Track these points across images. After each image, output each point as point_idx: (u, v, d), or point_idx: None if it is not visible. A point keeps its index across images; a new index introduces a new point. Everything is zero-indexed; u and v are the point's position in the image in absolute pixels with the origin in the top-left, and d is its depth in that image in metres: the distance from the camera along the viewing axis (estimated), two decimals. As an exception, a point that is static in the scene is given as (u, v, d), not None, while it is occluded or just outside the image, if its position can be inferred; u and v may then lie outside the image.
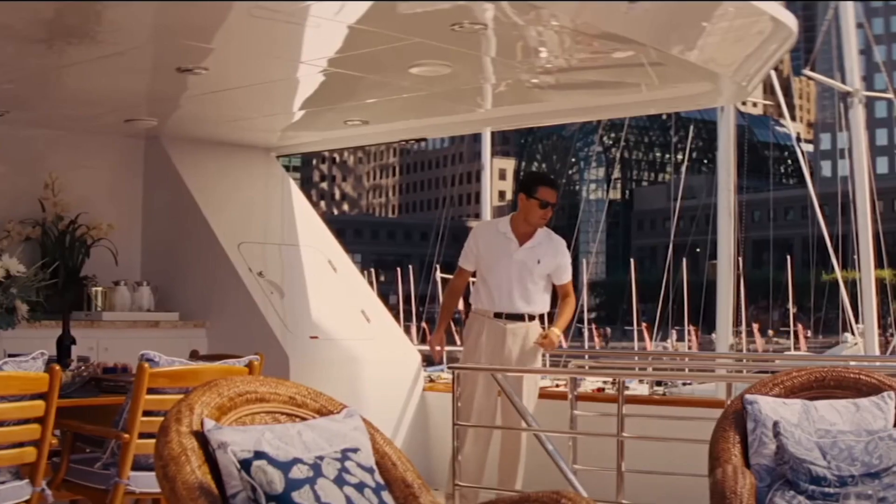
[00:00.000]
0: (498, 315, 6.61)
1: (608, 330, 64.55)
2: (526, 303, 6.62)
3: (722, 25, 5.74)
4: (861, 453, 3.75)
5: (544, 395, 6.93)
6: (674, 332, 44.96)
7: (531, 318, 6.64)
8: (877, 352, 18.98)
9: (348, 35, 5.49)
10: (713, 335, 18.62)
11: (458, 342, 7.62)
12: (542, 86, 6.58)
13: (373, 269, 48.93)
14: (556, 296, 6.85)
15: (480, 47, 5.63)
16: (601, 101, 7.33)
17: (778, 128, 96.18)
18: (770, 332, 54.82)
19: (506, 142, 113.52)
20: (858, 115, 19.01)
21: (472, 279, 6.95)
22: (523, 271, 6.60)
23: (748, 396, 4.06)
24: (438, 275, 32.38)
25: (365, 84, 6.48)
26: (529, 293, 6.62)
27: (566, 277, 6.82)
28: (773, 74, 20.25)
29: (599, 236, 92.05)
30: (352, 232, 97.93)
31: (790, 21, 5.75)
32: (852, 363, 6.01)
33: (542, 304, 6.72)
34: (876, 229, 18.85)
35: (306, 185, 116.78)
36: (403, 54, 5.66)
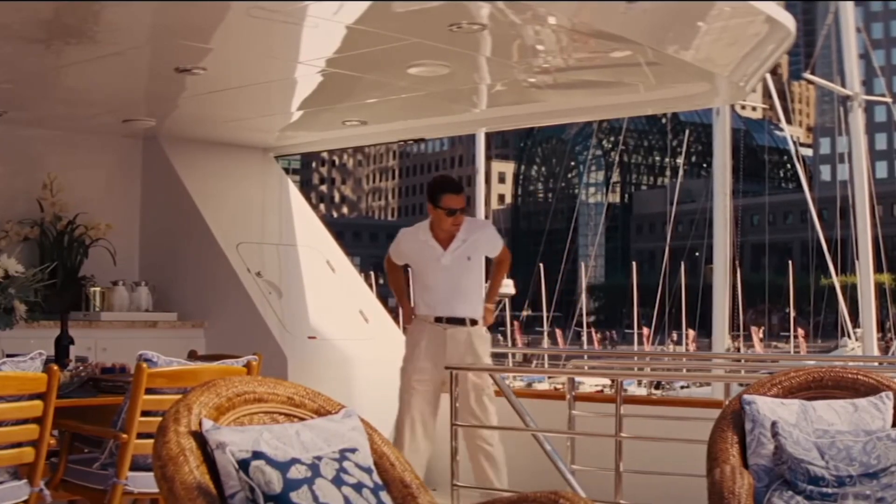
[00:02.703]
0: (438, 320, 6.53)
1: (614, 334, 64.59)
2: (465, 305, 6.54)
3: (717, 25, 5.74)
4: (859, 453, 3.74)
5: (543, 395, 6.93)
6: (674, 334, 45.05)
7: (473, 322, 6.55)
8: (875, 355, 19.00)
9: (346, 35, 5.49)
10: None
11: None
12: (539, 85, 6.58)
13: (372, 272, 48.93)
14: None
15: (478, 47, 5.63)
16: (598, 102, 7.33)
17: (777, 132, 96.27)
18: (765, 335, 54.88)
19: (505, 145, 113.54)
20: (858, 119, 19.03)
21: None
22: (455, 273, 6.53)
23: (746, 397, 4.05)
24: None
25: (363, 84, 6.48)
26: (468, 291, 6.56)
27: (498, 248, 6.77)
28: (772, 79, 20.26)
29: (598, 240, 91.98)
30: (351, 234, 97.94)
31: (788, 21, 5.74)
32: (850, 364, 6.01)
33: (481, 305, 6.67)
34: (875, 233, 18.87)
35: (306, 188, 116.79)
36: (401, 54, 5.66)
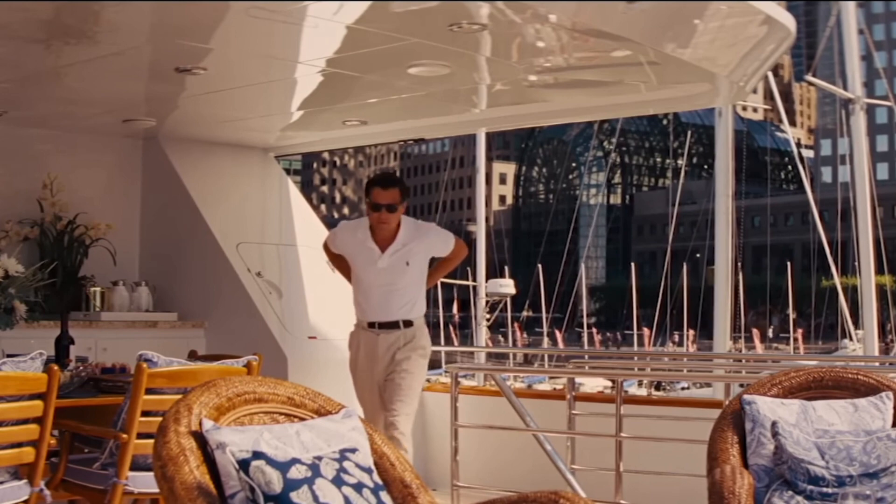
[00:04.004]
0: (371, 325, 6.28)
1: (617, 335, 64.49)
2: (400, 308, 6.26)
3: (714, 24, 5.73)
4: (859, 453, 3.74)
5: (543, 395, 6.93)
6: (675, 335, 45.05)
7: (407, 324, 6.25)
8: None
9: (346, 35, 5.50)
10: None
11: (456, 342, 7.59)
12: (539, 85, 6.58)
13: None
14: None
15: (478, 47, 5.64)
16: (599, 102, 7.33)
17: (778, 133, 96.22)
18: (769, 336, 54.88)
19: (506, 146, 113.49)
20: (860, 121, 19.01)
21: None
22: (392, 278, 6.22)
23: (746, 397, 4.05)
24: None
25: (363, 84, 6.48)
26: (404, 295, 6.26)
27: (450, 246, 6.44)
28: (774, 81, 20.23)
29: (599, 241, 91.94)
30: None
31: (787, 21, 5.73)
32: (851, 364, 6.00)
33: (423, 304, 6.42)
34: (876, 235, 18.86)
35: (307, 189, 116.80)
36: (402, 54, 5.66)
